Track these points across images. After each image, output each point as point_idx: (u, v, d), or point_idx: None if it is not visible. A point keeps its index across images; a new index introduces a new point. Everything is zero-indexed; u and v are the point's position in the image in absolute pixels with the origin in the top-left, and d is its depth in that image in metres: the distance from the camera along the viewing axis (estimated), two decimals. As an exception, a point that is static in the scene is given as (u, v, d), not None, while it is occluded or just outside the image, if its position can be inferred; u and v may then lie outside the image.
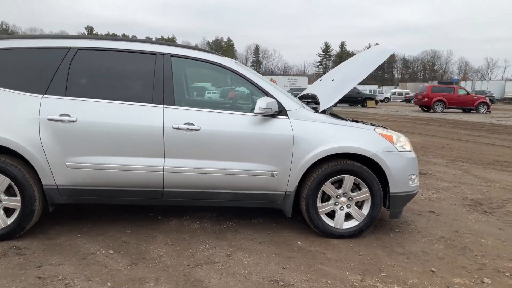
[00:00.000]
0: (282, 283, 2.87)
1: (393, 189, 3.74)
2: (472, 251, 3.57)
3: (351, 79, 4.02)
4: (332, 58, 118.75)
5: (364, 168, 3.66)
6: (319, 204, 3.71)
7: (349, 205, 3.76)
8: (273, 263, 3.20)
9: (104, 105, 3.47)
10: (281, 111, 3.62)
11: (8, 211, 3.46)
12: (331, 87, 4.16)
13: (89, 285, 2.77)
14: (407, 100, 45.59)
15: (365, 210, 3.76)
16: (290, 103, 3.69)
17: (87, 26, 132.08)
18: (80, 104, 3.44)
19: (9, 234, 3.44)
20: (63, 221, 3.94)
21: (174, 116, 3.49)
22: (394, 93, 57.86)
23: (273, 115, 3.60)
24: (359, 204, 3.80)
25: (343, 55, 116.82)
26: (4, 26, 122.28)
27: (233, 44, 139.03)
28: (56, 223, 3.87)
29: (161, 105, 3.51)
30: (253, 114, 3.56)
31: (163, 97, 3.53)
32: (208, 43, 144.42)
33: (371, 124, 4.02)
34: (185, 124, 3.48)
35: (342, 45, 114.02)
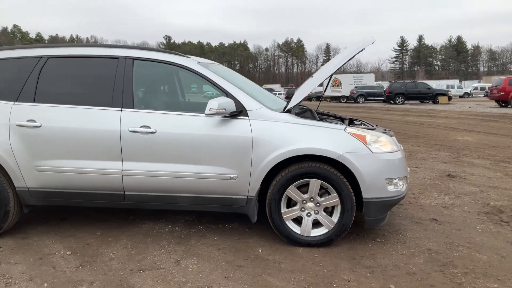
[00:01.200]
0: (213, 293, 2.72)
1: (366, 194, 3.38)
2: (456, 267, 3.09)
3: (323, 74, 3.72)
4: (408, 53, 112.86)
5: (331, 171, 3.35)
6: (283, 210, 3.47)
7: (317, 211, 3.47)
8: (218, 271, 3.04)
9: (67, 110, 3.57)
10: (241, 111, 3.45)
11: (-11, 212, 3.70)
12: (306, 84, 3.89)
13: (27, 285, 2.85)
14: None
15: (335, 217, 3.45)
16: (252, 103, 3.49)
17: (166, 35, 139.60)
18: (45, 110, 3.58)
19: (-11, 232, 3.68)
20: (47, 221, 4.13)
21: (131, 119, 3.49)
22: (475, 88, 53.40)
23: (233, 116, 3.44)
24: (330, 210, 3.49)
25: (421, 49, 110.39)
26: (93, 40, 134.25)
27: (303, 45, 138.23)
28: (41, 224, 4.07)
29: (120, 109, 3.53)
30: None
31: (122, 100, 3.54)
32: (278, 45, 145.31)
33: (352, 123, 3.69)
34: (141, 127, 3.46)
35: (420, 38, 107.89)
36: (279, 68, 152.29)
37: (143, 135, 3.45)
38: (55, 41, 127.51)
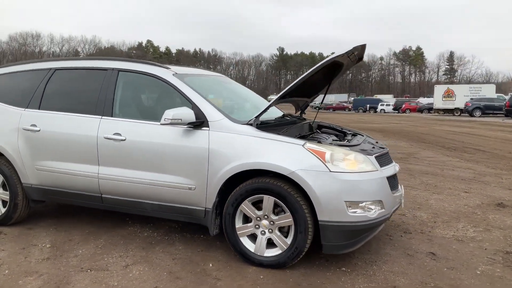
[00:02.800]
0: (128, 301, 2.75)
1: (321, 216, 3.08)
2: (408, 311, 2.64)
3: (288, 88, 3.48)
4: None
5: (284, 188, 3.13)
6: (238, 225, 3.35)
7: (271, 230, 3.27)
8: (153, 280, 3.06)
9: (61, 117, 3.96)
10: (203, 122, 3.43)
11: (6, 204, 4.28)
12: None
13: (-8, 270, 3.24)
14: None
15: (290, 238, 3.21)
16: (214, 114, 3.45)
17: (279, 47, 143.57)
18: (44, 116, 4.02)
19: (2, 221, 4.25)
20: (59, 215, 4.62)
21: (107, 126, 3.72)
22: None
23: (196, 126, 3.44)
24: (286, 231, 3.26)
25: None
26: (213, 53, 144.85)
27: (422, 53, 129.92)
28: (52, 217, 4.56)
29: (100, 117, 3.79)
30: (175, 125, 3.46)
31: (103, 109, 3.80)
32: (394, 53, 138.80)
33: (318, 138, 3.41)
34: (113, 134, 3.67)
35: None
36: (394, 77, 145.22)
37: (115, 142, 3.66)
38: (181, 54, 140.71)
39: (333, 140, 3.81)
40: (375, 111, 48.24)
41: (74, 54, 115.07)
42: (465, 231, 4.13)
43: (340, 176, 3.07)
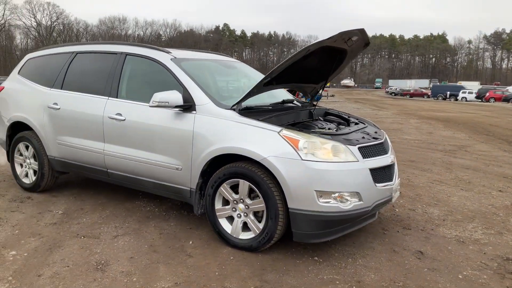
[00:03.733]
0: (101, 267, 3.01)
1: (291, 204, 3.08)
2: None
3: (268, 74, 3.44)
4: None
5: (258, 174, 3.17)
6: (217, 207, 3.45)
7: (246, 214, 3.33)
8: (132, 251, 3.30)
9: (77, 97, 4.32)
10: (191, 105, 3.55)
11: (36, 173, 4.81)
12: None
13: (5, 228, 3.70)
14: None
15: (262, 224, 3.24)
16: (201, 98, 3.55)
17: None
18: (64, 96, 4.42)
19: (33, 188, 4.80)
20: (85, 186, 5.08)
21: (112, 107, 4.00)
22: None
23: (186, 110, 3.57)
24: (260, 215, 3.30)
25: None
26: (287, 36, 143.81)
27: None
28: (79, 187, 5.04)
29: (107, 98, 4.08)
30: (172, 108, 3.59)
31: (110, 90, 4.09)
32: (485, 36, 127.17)
33: (303, 127, 3.36)
34: (116, 114, 3.94)
35: None
36: (483, 63, 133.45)
37: (117, 122, 3.93)
38: (255, 37, 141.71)
39: (324, 128, 3.72)
40: (456, 99, 44.81)
41: (156, 37, 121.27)
42: (472, 233, 3.83)
43: (311, 165, 3.02)
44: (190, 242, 3.50)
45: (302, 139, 3.10)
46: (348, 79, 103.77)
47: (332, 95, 44.19)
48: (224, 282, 2.84)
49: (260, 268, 3.06)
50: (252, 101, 3.79)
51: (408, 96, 53.65)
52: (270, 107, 3.87)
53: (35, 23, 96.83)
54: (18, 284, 2.75)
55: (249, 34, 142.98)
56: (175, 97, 3.48)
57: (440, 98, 48.10)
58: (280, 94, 4.57)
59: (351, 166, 3.14)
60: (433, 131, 12.09)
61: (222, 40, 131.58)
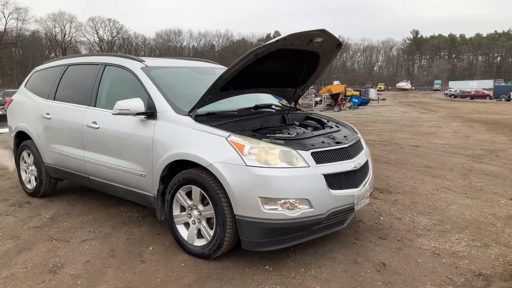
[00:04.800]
0: (55, 269, 3.13)
1: (237, 210, 3.01)
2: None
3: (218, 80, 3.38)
4: None
5: (206, 180, 3.13)
6: (175, 213, 3.46)
7: (199, 220, 3.31)
8: (91, 255, 3.39)
9: (64, 107, 4.55)
10: (152, 112, 3.61)
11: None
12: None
13: (-9, 231, 3.97)
14: None
15: (213, 231, 3.20)
16: (162, 105, 3.58)
17: (413, 30, 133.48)
18: (54, 106, 4.67)
19: (33, 193, 5.11)
20: (83, 192, 5.32)
21: (90, 115, 4.16)
22: None
23: (149, 117, 3.62)
24: (213, 222, 3.25)
25: None
26: (340, 39, 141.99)
27: None
28: (78, 193, 5.29)
29: (87, 107, 4.25)
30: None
31: (90, 99, 4.26)
32: None
33: (255, 132, 3.28)
34: (92, 122, 4.09)
35: None
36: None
37: (93, 130, 4.08)
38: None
39: (286, 133, 3.61)
40: (521, 100, 41.55)
41: (210, 48, 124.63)
42: (454, 244, 3.52)
43: (255, 171, 2.94)
44: (151, 248, 3.53)
45: (248, 144, 3.03)
46: (404, 81, 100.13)
47: (383, 99, 42.86)
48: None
49: (206, 276, 3.02)
50: (218, 107, 3.79)
51: (468, 98, 50.46)
52: (236, 113, 3.83)
53: (98, 39, 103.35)
54: (-29, 283, 2.93)
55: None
56: (136, 104, 3.55)
57: (503, 99, 44.80)
58: (264, 99, 4.52)
59: (300, 172, 3.02)
60: (472, 134, 11.28)
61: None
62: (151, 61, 4.14)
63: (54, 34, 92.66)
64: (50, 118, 4.65)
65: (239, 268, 3.14)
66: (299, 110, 4.68)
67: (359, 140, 3.82)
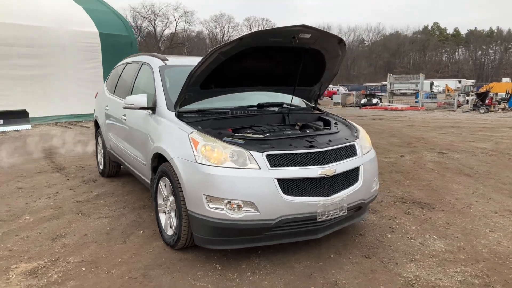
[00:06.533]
0: (56, 237, 3.72)
1: (188, 205, 3.12)
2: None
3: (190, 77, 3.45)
4: None
5: (171, 173, 3.30)
6: (159, 202, 3.71)
7: (169, 211, 3.49)
8: (91, 230, 3.89)
9: (115, 100, 5.23)
10: (154, 108, 3.92)
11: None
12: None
13: (47, 199, 4.85)
14: None
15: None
16: (160, 101, 3.86)
17: None
18: (112, 100, 5.40)
19: (102, 174, 6.03)
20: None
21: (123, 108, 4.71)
22: None
23: (153, 111, 3.96)
24: (180, 213, 3.40)
25: None
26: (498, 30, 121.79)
27: None
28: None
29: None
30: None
31: (128, 94, 4.80)
32: None
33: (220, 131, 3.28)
34: (123, 115, 4.64)
35: None
36: None
37: (124, 121, 4.62)
38: (471, 34, 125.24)
39: (262, 132, 3.53)
40: None
41: (359, 43, 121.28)
42: (445, 277, 2.92)
43: (202, 168, 2.99)
44: (141, 232, 3.87)
45: (202, 142, 3.08)
46: None
47: None
48: (114, 267, 3.13)
49: (158, 264, 3.20)
50: (216, 104, 3.91)
51: None
52: (228, 110, 3.86)
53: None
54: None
55: (463, 31, 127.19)
56: (140, 100, 3.90)
57: None
58: (281, 98, 4.42)
59: (248, 173, 2.94)
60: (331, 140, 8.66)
61: (430, 41, 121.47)
62: (173, 60, 4.44)
63: (215, 34, 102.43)
64: (108, 110, 5.39)
65: (193, 262, 3.23)
66: (319, 110, 4.42)
67: (351, 146, 3.45)
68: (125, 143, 4.67)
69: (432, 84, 42.44)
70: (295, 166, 3.04)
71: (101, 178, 5.93)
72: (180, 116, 3.55)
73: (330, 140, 3.40)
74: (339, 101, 29.45)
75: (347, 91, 37.74)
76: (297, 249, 3.41)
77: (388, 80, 27.87)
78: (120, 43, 15.76)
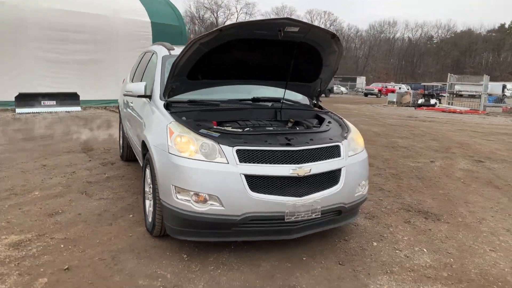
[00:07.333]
0: (52, 214, 3.95)
1: (160, 194, 3.16)
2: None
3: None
4: None
5: (150, 160, 3.36)
6: (146, 188, 3.79)
7: (151, 199, 3.56)
8: (87, 210, 4.08)
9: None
10: (150, 96, 4.00)
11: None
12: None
13: (61, 177, 5.16)
14: None
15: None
16: (156, 90, 3.91)
17: None
18: (128, 85, 5.57)
19: (121, 158, 6.29)
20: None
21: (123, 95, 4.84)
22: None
23: (150, 100, 4.04)
24: (159, 201, 3.46)
25: None
26: None
27: None
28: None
29: (135, 88, 4.96)
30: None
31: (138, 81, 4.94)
32: None
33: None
34: (131, 102, 4.79)
35: None
36: None
37: (131, 108, 4.78)
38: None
39: (242, 127, 3.48)
40: None
41: (427, 39, 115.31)
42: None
43: (173, 159, 3.01)
44: (131, 216, 3.99)
45: (175, 132, 3.10)
46: None
47: None
48: (90, 247, 3.26)
49: (131, 249, 3.28)
50: (207, 96, 3.93)
51: None
52: (219, 103, 3.83)
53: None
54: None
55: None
56: (138, 88, 4.00)
57: None
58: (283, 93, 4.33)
59: (215, 167, 2.92)
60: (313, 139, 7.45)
61: (506, 40, 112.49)
62: (178, 50, 4.48)
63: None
64: (125, 97, 5.59)
65: (165, 250, 3.27)
66: (320, 107, 4.26)
67: (334, 146, 3.29)
68: (131, 129, 4.82)
69: (504, 87, 39.29)
70: (266, 163, 2.97)
71: (119, 162, 6.18)
72: (169, 106, 3.59)
73: (311, 139, 3.27)
74: (394, 99, 28.23)
75: (409, 90, 36.06)
76: (272, 248, 3.34)
77: (448, 80, 26.22)
78: (171, 32, 16.23)
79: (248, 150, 2.98)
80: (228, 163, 2.92)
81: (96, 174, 5.45)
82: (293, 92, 4.41)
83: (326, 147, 3.25)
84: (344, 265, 3.12)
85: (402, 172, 6.23)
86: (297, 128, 3.67)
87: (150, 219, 3.55)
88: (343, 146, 3.35)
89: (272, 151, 3.01)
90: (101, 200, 4.38)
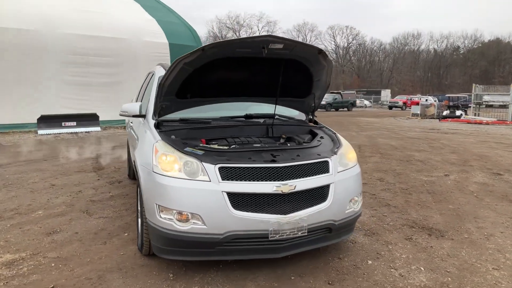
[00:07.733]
0: (51, 233, 4.01)
1: (146, 214, 3.15)
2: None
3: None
4: None
5: (139, 180, 3.38)
6: (139, 207, 3.80)
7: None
8: (84, 229, 4.13)
9: (134, 107, 5.50)
10: (145, 115, 4.05)
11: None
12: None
13: (68, 196, 5.26)
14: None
15: (142, 228, 3.42)
16: (149, 109, 3.95)
17: None
18: (133, 106, 5.69)
19: (129, 176, 6.35)
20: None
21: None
22: None
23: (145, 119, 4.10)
24: (147, 220, 3.46)
25: None
26: None
27: None
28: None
29: (136, 107, 5.05)
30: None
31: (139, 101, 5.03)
32: None
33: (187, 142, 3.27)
34: (131, 122, 4.87)
35: None
36: None
37: (131, 126, 4.85)
38: None
39: (225, 143, 3.46)
40: None
41: (453, 50, 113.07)
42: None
43: (156, 178, 3.01)
44: (126, 234, 4.00)
45: (159, 151, 3.11)
46: None
47: None
48: (80, 266, 3.28)
49: (119, 268, 3.28)
50: (199, 114, 3.94)
51: None
52: (211, 120, 3.83)
53: (334, 46, 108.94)
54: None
55: None
56: (133, 108, 4.06)
57: None
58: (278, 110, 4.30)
59: (197, 185, 2.90)
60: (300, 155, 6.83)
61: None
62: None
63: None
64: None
65: (152, 269, 3.25)
66: (315, 122, 4.20)
67: (322, 162, 3.21)
68: (131, 148, 4.89)
69: (534, 95, 37.86)
70: (249, 180, 2.93)
71: (126, 180, 6.26)
72: (159, 125, 3.62)
73: (298, 155, 3.20)
74: (418, 112, 27.63)
75: (435, 101, 35.25)
76: (261, 266, 3.26)
77: (473, 90, 25.51)
78: (188, 52, 16.51)
79: (230, 167, 2.95)
80: (210, 181, 2.89)
81: (101, 193, 5.52)
82: (289, 108, 4.38)
83: (313, 163, 3.17)
84: (333, 285, 3.01)
85: (412, 187, 6.03)
86: (288, 144, 3.62)
87: (140, 238, 3.55)
88: (331, 161, 3.26)
89: (255, 168, 2.97)
90: (100, 219, 4.43)
